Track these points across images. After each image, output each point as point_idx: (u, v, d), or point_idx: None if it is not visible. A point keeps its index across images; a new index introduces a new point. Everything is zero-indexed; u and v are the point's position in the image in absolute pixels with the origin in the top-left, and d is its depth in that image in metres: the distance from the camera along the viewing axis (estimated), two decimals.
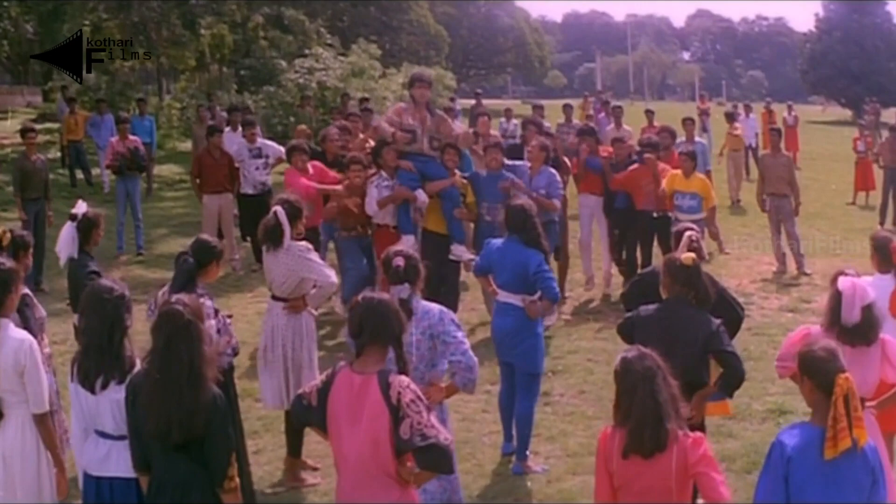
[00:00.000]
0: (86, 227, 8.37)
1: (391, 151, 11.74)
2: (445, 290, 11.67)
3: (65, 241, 8.31)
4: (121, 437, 5.39)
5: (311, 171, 12.38)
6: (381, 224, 11.93)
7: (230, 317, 11.62)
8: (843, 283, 6.08)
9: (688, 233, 7.67)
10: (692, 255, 6.59)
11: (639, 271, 13.49)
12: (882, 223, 20.56)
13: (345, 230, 12.14)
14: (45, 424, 5.90)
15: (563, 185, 12.42)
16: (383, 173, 11.83)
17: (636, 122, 27.19)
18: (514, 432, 8.65)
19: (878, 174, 22.36)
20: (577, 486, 8.15)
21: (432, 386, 6.40)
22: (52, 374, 7.66)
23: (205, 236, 7.56)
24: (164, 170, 26.65)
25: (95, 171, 24.40)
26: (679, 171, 13.40)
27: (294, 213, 8.23)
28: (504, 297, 8.47)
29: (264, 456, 8.88)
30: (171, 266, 15.86)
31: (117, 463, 5.44)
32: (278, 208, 8.23)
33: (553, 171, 12.35)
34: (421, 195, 11.74)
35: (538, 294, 8.35)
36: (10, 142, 29.10)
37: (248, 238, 16.13)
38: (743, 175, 24.24)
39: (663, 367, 4.74)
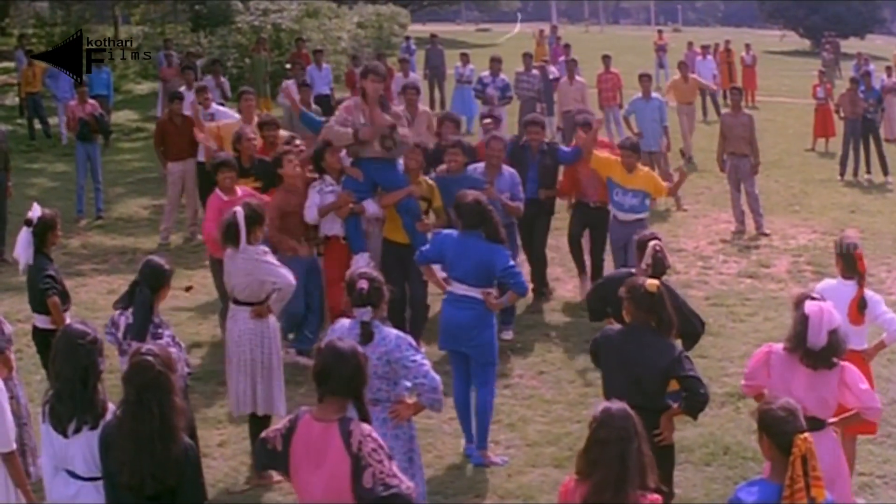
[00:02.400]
0: (42, 231, 8.38)
1: (335, 153, 10.73)
2: (413, 308, 10.92)
3: (22, 247, 8.31)
4: (90, 479, 5.44)
5: (238, 193, 10.38)
6: (329, 236, 10.92)
7: (190, 288, 11.71)
8: (810, 307, 6.14)
9: (652, 242, 7.72)
10: (656, 282, 6.59)
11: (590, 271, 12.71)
12: (842, 175, 20.69)
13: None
14: (12, 463, 5.95)
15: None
16: (327, 177, 10.79)
17: (592, 59, 26.95)
18: (473, 424, 8.69)
19: (838, 121, 22.25)
20: (536, 480, 8.30)
21: (400, 403, 6.47)
22: (21, 387, 7.69)
23: (154, 259, 7.39)
24: (120, 116, 26.31)
25: (53, 121, 24.21)
26: (618, 160, 11.85)
27: (254, 217, 8.24)
28: (462, 289, 8.46)
29: (229, 448, 8.92)
30: (129, 231, 16.22)
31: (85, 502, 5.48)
32: (238, 209, 8.26)
33: (513, 170, 11.38)
34: (371, 207, 10.79)
35: (495, 287, 8.50)
36: None
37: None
38: (693, 128, 22.23)
39: (642, 434, 4.69)
